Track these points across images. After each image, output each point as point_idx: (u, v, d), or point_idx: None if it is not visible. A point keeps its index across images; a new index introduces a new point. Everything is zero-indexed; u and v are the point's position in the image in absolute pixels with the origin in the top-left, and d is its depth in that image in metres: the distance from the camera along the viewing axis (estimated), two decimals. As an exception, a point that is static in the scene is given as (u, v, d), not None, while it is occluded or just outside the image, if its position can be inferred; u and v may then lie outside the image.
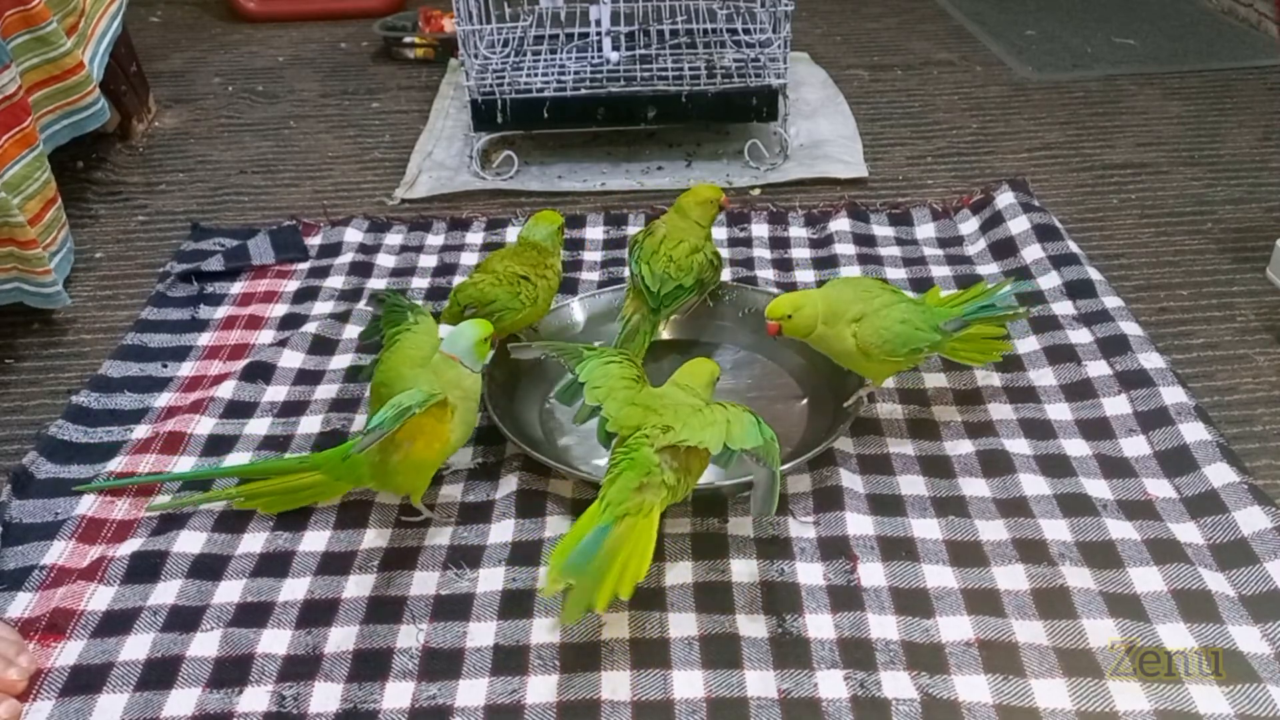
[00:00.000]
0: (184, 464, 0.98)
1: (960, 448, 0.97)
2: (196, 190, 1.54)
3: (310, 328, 1.17)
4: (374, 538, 0.90)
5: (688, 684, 0.75)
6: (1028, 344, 1.10)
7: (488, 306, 1.02)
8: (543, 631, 0.80)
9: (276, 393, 1.08)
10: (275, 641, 0.80)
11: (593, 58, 1.58)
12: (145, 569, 0.86)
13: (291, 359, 1.12)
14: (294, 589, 0.85)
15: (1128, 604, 0.80)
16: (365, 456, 0.84)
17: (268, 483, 0.91)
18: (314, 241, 1.35)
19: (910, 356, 0.95)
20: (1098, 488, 0.92)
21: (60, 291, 1.19)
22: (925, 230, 1.34)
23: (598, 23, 1.58)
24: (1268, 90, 1.74)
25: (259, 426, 1.03)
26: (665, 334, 1.13)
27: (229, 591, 0.85)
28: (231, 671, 0.78)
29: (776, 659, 0.77)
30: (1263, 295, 1.18)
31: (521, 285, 1.03)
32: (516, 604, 0.82)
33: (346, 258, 1.31)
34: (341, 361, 1.13)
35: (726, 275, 1.24)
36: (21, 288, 1.15)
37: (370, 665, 0.78)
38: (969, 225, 1.34)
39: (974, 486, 0.92)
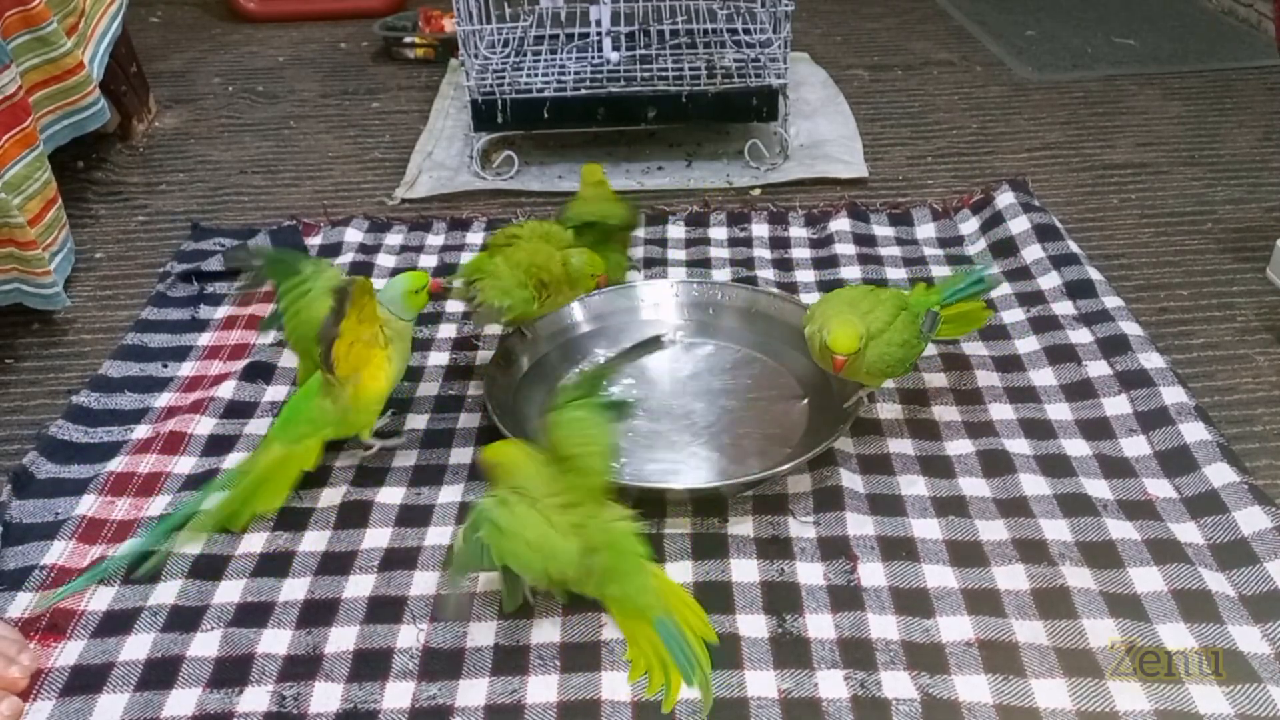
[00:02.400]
0: (184, 464, 0.98)
1: (960, 448, 0.97)
2: (196, 190, 1.54)
3: (310, 328, 1.17)
4: (374, 538, 0.90)
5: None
6: (1028, 344, 1.10)
7: (502, 307, 1.02)
8: (543, 631, 0.80)
9: (276, 393, 1.08)
10: (275, 641, 0.80)
11: (593, 58, 1.58)
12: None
13: (292, 359, 1.12)
14: (294, 589, 0.85)
15: (1128, 604, 0.80)
16: (319, 402, 0.90)
17: (236, 490, 0.90)
18: (314, 241, 1.35)
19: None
20: (1098, 488, 0.92)
21: (60, 293, 1.18)
22: (925, 230, 1.34)
23: (598, 23, 1.58)
24: (1268, 90, 1.74)
25: (259, 426, 1.03)
26: (668, 334, 1.12)
27: (229, 591, 0.85)
28: (231, 671, 0.78)
29: (776, 659, 0.77)
30: (1263, 295, 1.18)
31: (542, 294, 1.02)
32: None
33: (346, 258, 1.31)
34: (341, 361, 1.13)
35: (726, 275, 1.25)
36: (21, 289, 1.15)
37: (370, 665, 0.78)
38: (969, 225, 1.34)
39: (974, 486, 0.92)
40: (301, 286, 0.95)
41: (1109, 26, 2.04)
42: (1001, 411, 1.01)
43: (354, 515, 0.92)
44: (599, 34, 1.59)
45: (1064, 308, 1.15)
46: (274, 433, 0.92)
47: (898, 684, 0.75)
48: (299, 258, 0.98)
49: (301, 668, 0.78)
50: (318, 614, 0.82)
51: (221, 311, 1.22)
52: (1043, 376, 1.06)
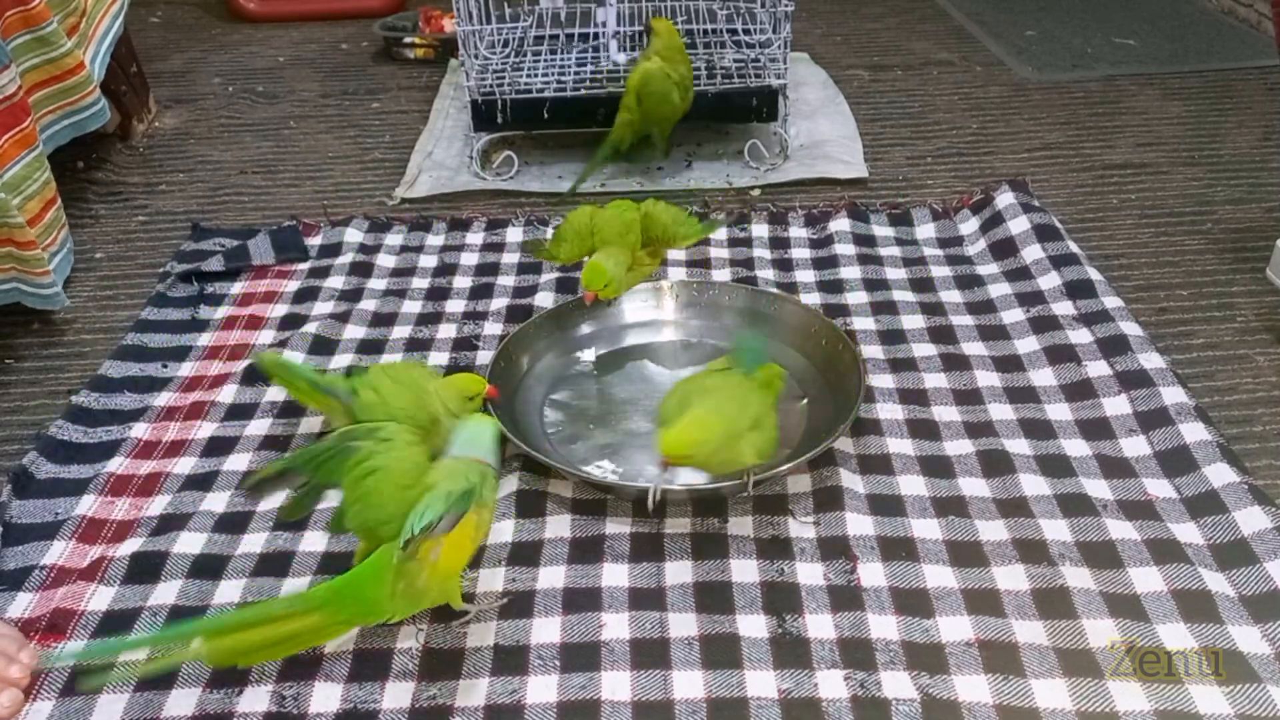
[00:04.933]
0: (183, 465, 0.98)
1: (960, 448, 0.97)
2: (196, 190, 1.54)
3: (310, 328, 1.17)
4: (374, 538, 0.89)
5: (688, 684, 0.75)
6: (1027, 344, 1.10)
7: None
8: (543, 631, 0.80)
9: (277, 393, 1.08)
10: (275, 641, 0.80)
11: (600, 59, 1.58)
12: (145, 569, 0.86)
13: (291, 359, 1.12)
14: (294, 589, 0.85)
15: (1128, 604, 0.80)
16: (389, 588, 0.73)
17: (246, 635, 0.72)
18: (314, 242, 1.35)
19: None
20: (1098, 488, 0.92)
21: (59, 293, 1.18)
22: (925, 230, 1.34)
23: (603, 24, 1.58)
24: (1268, 90, 1.74)
25: (259, 427, 1.03)
26: (671, 334, 1.12)
27: (229, 591, 0.85)
28: (231, 671, 0.77)
29: (776, 659, 0.77)
30: (1263, 295, 1.18)
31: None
32: (516, 604, 0.82)
33: (346, 258, 1.31)
34: (342, 361, 1.13)
35: (727, 275, 1.25)
36: (20, 288, 1.15)
37: (370, 665, 0.78)
38: (969, 225, 1.34)
39: (974, 486, 0.92)
40: (362, 466, 0.77)
41: (1109, 26, 2.04)
42: (1001, 411, 1.01)
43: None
44: (603, 35, 1.59)
45: (1064, 308, 1.15)
46: (324, 597, 0.73)
47: (897, 684, 0.75)
48: (360, 435, 0.79)
49: (301, 668, 0.78)
50: (318, 614, 0.82)
51: (221, 311, 1.22)
52: (1042, 377, 1.06)
